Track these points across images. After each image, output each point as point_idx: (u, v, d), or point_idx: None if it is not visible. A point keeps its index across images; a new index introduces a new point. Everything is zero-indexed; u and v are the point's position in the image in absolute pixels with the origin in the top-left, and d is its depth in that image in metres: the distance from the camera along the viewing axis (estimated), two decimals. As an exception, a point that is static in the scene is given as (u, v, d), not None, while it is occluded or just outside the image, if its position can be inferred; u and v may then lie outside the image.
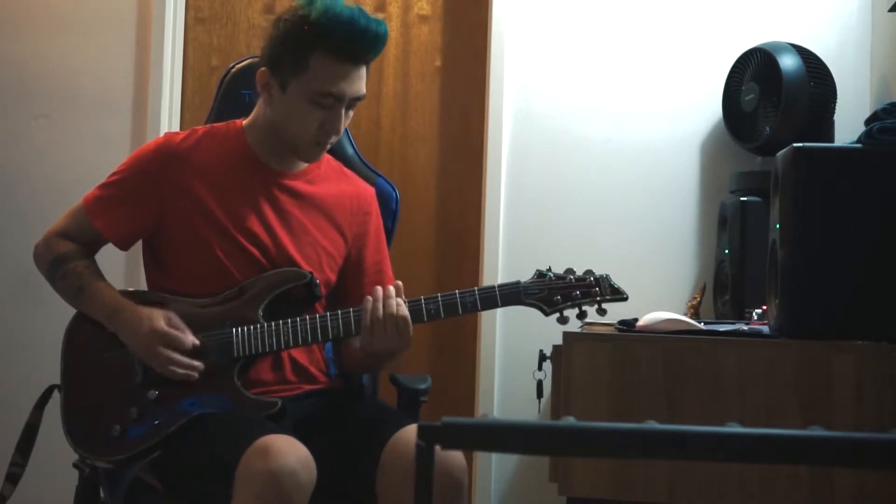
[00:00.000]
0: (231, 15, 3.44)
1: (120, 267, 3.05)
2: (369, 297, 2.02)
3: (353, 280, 2.23)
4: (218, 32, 3.44)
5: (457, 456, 1.90)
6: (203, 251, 2.09)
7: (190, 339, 2.03)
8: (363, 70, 2.06)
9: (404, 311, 2.01)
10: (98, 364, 2.08)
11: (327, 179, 2.22)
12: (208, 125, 2.22)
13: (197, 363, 2.01)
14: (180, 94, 3.40)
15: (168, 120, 3.34)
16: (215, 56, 3.43)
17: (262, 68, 2.09)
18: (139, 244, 2.21)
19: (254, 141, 2.16)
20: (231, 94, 2.41)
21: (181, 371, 2.00)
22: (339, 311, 2.05)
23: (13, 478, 2.15)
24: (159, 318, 2.02)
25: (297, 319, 2.05)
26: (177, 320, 2.04)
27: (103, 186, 2.16)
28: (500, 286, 2.05)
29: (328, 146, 2.12)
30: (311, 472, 1.82)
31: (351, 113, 2.10)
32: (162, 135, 2.23)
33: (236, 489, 1.79)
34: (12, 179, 3.37)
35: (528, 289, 2.05)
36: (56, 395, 2.12)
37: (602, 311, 2.06)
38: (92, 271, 2.14)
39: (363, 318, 2.02)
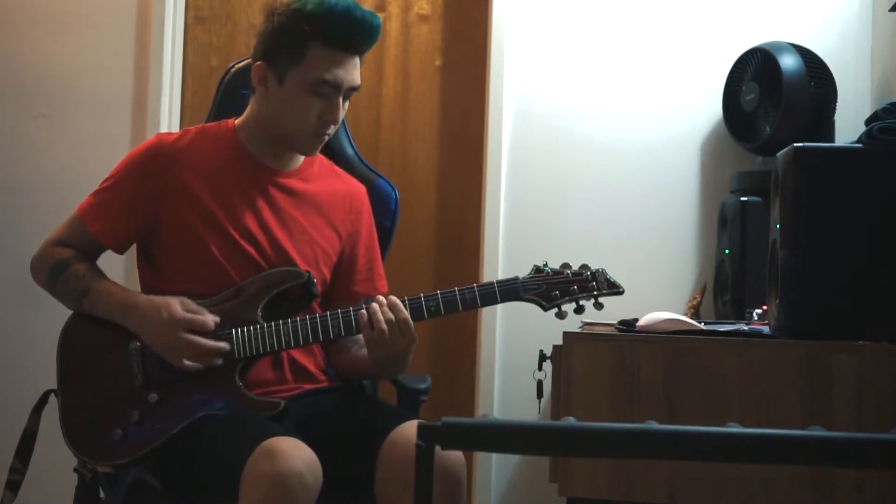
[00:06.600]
0: (231, 15, 3.44)
1: (119, 269, 3.05)
2: (364, 313, 2.01)
3: (344, 278, 2.23)
4: (218, 32, 3.44)
5: (455, 453, 1.89)
6: (199, 250, 2.08)
7: (210, 318, 2.02)
8: (358, 60, 2.09)
9: (404, 314, 2.01)
10: (96, 367, 2.06)
11: (321, 177, 2.22)
12: (200, 125, 2.22)
13: (223, 344, 2.01)
14: (180, 94, 3.40)
15: (168, 120, 3.34)
16: (215, 56, 3.43)
17: (258, 62, 2.09)
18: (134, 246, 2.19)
19: (247, 139, 2.15)
20: (231, 94, 2.41)
21: (213, 355, 1.99)
22: (340, 311, 2.05)
23: (13, 485, 2.12)
24: (176, 305, 2.01)
25: (297, 319, 2.04)
26: (191, 304, 2.03)
27: (97, 193, 2.15)
28: (499, 282, 2.05)
29: (326, 138, 2.12)
30: (317, 474, 1.81)
31: (346, 105, 2.11)
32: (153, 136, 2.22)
33: (242, 492, 1.79)
34: (11, 179, 3.37)
35: (526, 284, 2.05)
36: (53, 400, 2.10)
37: (599, 306, 2.06)
38: (94, 272, 2.12)
39: (364, 333, 2.01)
